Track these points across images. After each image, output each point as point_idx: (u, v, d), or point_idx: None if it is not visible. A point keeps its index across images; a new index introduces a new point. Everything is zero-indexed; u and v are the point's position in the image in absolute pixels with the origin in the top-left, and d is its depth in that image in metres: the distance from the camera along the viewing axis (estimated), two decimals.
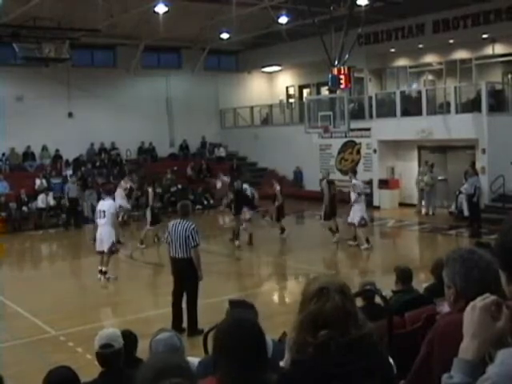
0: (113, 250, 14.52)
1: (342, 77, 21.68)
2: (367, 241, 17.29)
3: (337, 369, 2.55)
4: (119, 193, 20.56)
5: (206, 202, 27.07)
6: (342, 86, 21.82)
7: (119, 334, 4.80)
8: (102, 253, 14.42)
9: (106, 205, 14.57)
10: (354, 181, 17.48)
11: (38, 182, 24.85)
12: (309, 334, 2.59)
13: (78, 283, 15.73)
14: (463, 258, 2.71)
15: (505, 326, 2.01)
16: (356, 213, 17.17)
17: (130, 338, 5.75)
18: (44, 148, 27.77)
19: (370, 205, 24.63)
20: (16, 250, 21.06)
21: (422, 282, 8.60)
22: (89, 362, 4.67)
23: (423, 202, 23.28)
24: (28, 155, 27.26)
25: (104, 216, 14.29)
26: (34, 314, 11.71)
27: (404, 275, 7.44)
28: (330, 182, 18.48)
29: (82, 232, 22.65)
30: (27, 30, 23.32)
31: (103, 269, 14.32)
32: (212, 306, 10.25)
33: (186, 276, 10.32)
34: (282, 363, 2.96)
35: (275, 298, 13.77)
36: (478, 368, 1.99)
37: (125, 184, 21.46)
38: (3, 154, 26.65)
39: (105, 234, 14.35)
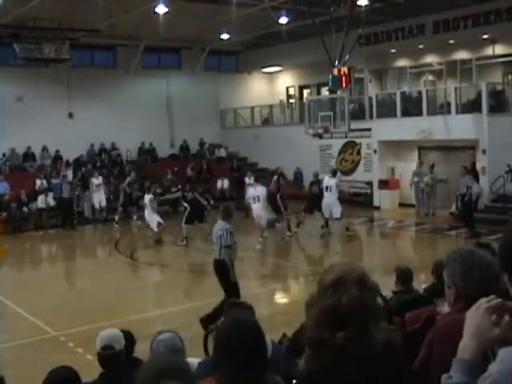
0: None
1: (342, 77, 21.68)
2: (297, 224, 19.58)
3: (356, 378, 2.33)
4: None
5: (206, 203, 26.98)
6: (342, 87, 21.80)
7: (121, 335, 4.80)
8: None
9: (258, 190, 18.64)
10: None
11: (38, 182, 24.83)
12: (325, 331, 2.36)
13: (78, 284, 15.73)
14: (463, 258, 2.71)
15: (502, 334, 2.00)
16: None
17: (127, 338, 5.75)
18: (44, 148, 27.75)
19: (370, 205, 24.74)
20: (16, 250, 21.05)
21: (422, 282, 8.59)
22: (89, 362, 4.67)
23: (424, 202, 23.25)
24: (28, 156, 27.26)
25: (258, 200, 18.41)
26: (34, 314, 11.71)
27: (404, 275, 7.43)
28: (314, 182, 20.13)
29: (80, 233, 22.68)
30: (27, 30, 23.31)
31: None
32: (212, 306, 10.22)
33: (219, 276, 10.46)
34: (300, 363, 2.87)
35: (275, 298, 13.76)
36: (476, 367, 2.00)
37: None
38: (4, 155, 26.64)
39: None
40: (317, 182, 19.94)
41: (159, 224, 19.02)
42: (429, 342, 2.72)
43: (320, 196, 19.44)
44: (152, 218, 19.07)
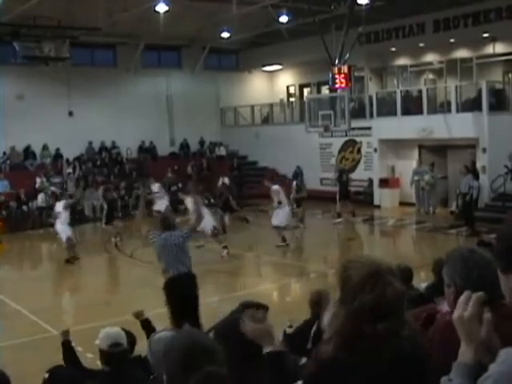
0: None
1: (338, 77, 21.67)
2: (283, 239, 17.52)
3: (392, 370, 2.34)
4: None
5: (206, 201, 26.95)
6: (341, 86, 21.79)
7: (124, 334, 4.80)
8: None
9: None
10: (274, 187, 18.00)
11: (38, 180, 24.85)
12: (366, 324, 2.34)
13: (78, 282, 15.72)
14: (464, 257, 2.70)
15: (487, 331, 2.02)
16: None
17: (128, 338, 5.77)
18: (44, 147, 27.77)
19: (370, 204, 24.73)
20: (16, 249, 21.06)
21: (422, 280, 8.59)
22: (89, 360, 4.67)
23: (424, 201, 23.24)
24: (28, 154, 27.24)
25: None
26: (35, 312, 11.72)
27: (404, 274, 7.43)
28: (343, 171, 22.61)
29: (80, 231, 22.65)
30: (27, 28, 23.33)
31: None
32: (214, 304, 10.23)
33: (196, 292, 9.18)
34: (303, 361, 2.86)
35: (277, 296, 13.74)
36: (476, 370, 2.01)
37: None
38: (4, 153, 26.63)
39: None
40: (345, 171, 22.68)
41: (69, 238, 16.56)
42: (428, 340, 2.72)
43: (347, 185, 21.89)
44: (63, 230, 16.56)
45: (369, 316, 2.33)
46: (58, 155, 27.76)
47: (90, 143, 28.88)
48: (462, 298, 2.11)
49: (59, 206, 16.91)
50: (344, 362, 2.34)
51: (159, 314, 11.72)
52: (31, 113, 26.51)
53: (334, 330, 2.44)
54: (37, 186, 24.73)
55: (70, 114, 28.37)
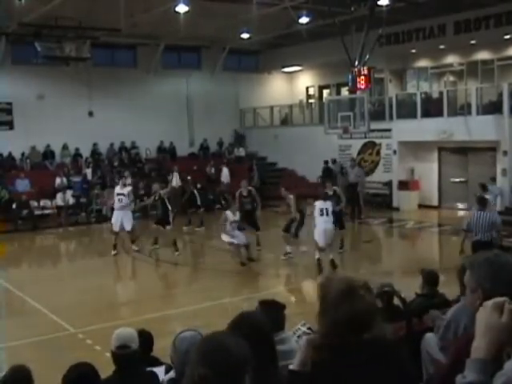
0: None
1: (358, 79, 21.58)
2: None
3: (358, 373, 2.55)
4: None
5: (223, 202, 26.97)
6: (360, 88, 21.72)
7: (136, 335, 4.81)
8: None
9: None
10: None
11: (58, 180, 25.03)
12: (348, 334, 2.61)
13: (96, 281, 15.78)
14: (490, 260, 2.67)
15: (507, 321, 2.02)
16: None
17: (146, 338, 5.80)
18: (64, 146, 27.95)
19: (388, 206, 24.63)
20: (36, 247, 21.22)
21: (443, 285, 8.51)
22: (107, 360, 4.68)
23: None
24: (47, 153, 27.41)
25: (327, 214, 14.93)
26: (54, 311, 11.78)
27: (431, 279, 7.41)
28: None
29: (98, 230, 22.77)
30: (49, 29, 23.48)
31: None
32: (226, 305, 10.22)
33: None
34: (291, 366, 2.84)
35: (291, 298, 13.70)
36: (490, 366, 2.03)
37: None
38: (23, 154, 26.81)
39: None
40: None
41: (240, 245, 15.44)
42: (456, 349, 2.71)
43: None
44: (239, 236, 15.45)
45: (346, 328, 2.60)
46: (77, 155, 27.94)
47: (112, 144, 29.00)
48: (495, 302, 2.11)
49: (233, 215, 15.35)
50: (324, 364, 2.63)
51: (182, 312, 11.79)
52: (52, 113, 26.72)
53: (318, 340, 2.74)
54: (56, 185, 24.91)
55: (90, 114, 28.54)
